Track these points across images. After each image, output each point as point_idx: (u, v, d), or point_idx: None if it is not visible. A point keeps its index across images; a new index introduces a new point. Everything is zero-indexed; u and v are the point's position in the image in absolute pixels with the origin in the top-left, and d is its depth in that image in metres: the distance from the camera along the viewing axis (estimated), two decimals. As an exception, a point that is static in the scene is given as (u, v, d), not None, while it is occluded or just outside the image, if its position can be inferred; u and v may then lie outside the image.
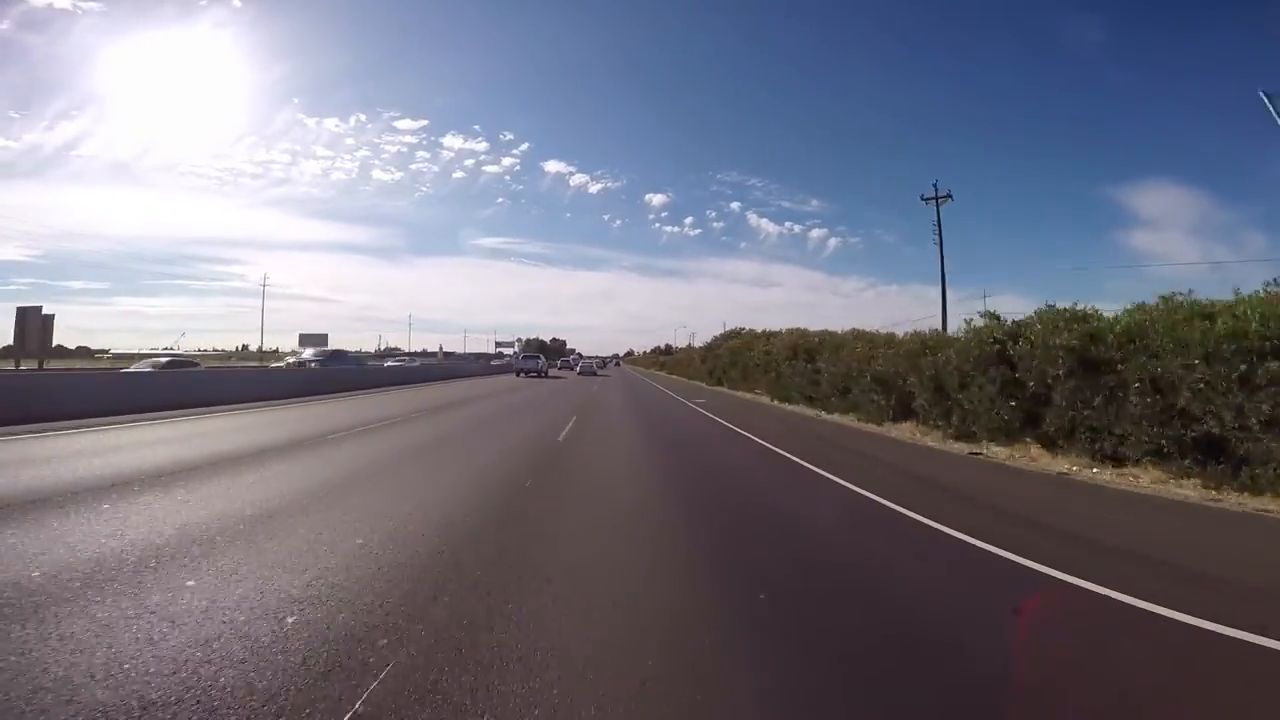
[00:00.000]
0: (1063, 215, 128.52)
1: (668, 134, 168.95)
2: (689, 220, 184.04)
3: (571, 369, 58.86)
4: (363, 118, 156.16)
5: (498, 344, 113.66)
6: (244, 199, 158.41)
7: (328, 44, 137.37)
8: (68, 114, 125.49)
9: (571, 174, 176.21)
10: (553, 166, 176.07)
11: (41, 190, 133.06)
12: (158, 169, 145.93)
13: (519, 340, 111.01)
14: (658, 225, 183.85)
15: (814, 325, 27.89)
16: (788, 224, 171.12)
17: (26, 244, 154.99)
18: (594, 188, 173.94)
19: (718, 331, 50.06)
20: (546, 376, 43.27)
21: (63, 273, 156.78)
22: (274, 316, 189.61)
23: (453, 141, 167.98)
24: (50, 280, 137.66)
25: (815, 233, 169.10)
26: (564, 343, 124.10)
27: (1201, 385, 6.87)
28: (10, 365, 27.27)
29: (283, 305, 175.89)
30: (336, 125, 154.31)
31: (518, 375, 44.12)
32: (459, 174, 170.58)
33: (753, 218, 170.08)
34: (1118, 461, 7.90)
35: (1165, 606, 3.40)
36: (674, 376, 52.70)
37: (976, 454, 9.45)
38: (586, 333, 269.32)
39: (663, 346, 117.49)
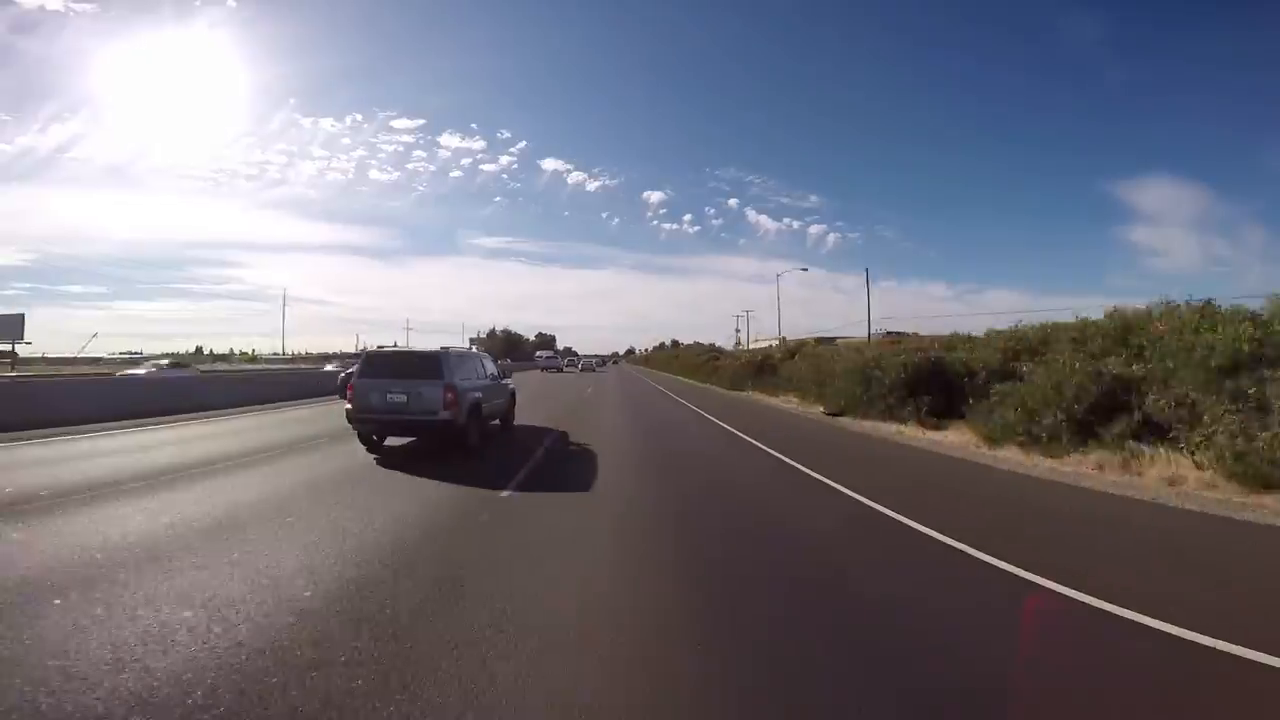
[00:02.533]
0: (1062, 209, 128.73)
1: (665, 131, 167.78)
2: (687, 218, 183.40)
3: (574, 367, 70.28)
4: (359, 118, 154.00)
5: (471, 341, 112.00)
6: (241, 201, 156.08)
7: (324, 44, 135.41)
8: (60, 116, 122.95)
9: (569, 172, 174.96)
10: (550, 164, 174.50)
11: (36, 194, 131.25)
12: (153, 171, 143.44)
13: (477, 334, 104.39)
14: (656, 223, 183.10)
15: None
16: (786, 220, 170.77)
17: (23, 248, 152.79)
18: (591, 185, 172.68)
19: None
20: (562, 371, 59.49)
21: (61, 277, 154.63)
22: (273, 319, 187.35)
23: (450, 140, 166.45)
24: (48, 285, 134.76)
25: (814, 229, 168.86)
26: (553, 339, 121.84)
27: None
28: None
29: (279, 307, 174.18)
30: (333, 125, 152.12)
31: (542, 371, 56.03)
32: (456, 173, 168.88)
33: (751, 214, 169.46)
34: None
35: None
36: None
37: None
38: (587, 331, 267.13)
39: (668, 344, 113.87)
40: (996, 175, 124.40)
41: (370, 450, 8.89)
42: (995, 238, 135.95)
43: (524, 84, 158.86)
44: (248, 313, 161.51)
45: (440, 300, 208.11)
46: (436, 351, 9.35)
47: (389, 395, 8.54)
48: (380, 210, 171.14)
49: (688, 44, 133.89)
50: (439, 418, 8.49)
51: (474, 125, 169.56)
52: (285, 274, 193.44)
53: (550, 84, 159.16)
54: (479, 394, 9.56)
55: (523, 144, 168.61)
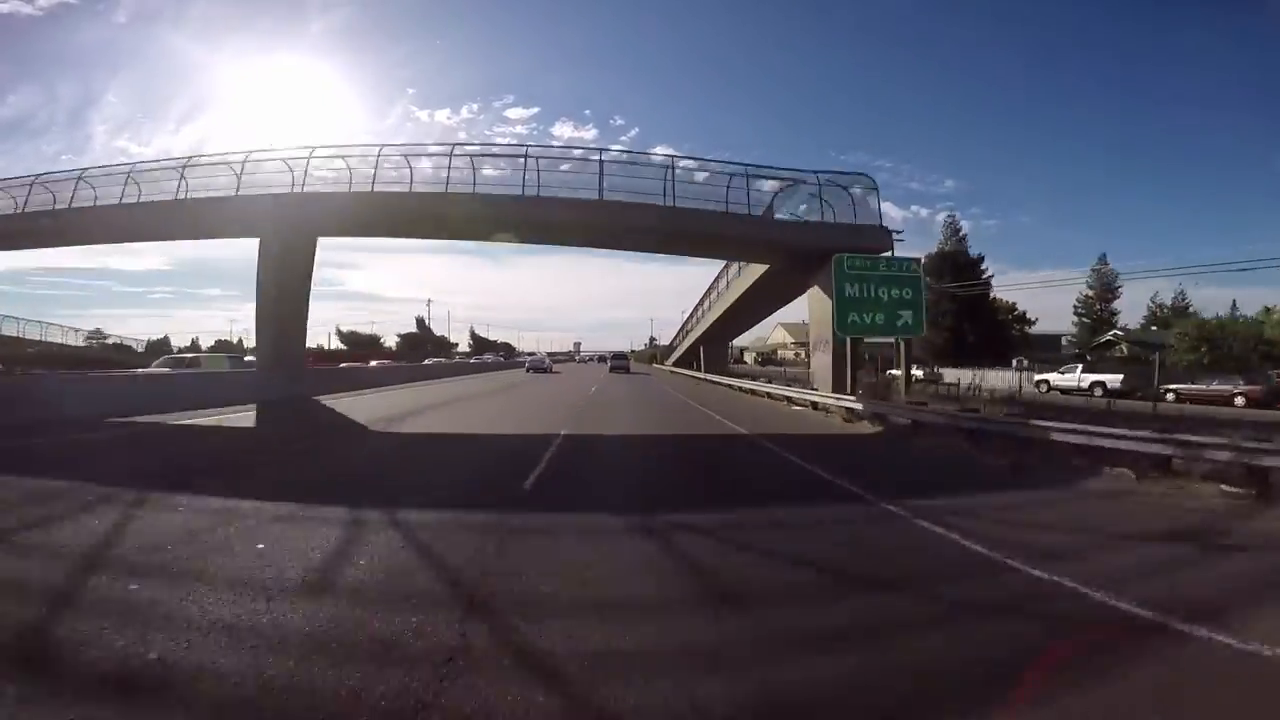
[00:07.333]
0: (1226, 186, 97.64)
1: (785, 113, 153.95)
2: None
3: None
4: (475, 107, 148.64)
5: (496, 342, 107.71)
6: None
7: (441, 22, 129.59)
8: (190, 117, 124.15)
9: (678, 160, 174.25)
10: (659, 153, 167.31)
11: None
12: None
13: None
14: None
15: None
16: (914, 208, 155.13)
17: (165, 253, 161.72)
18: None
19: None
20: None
21: (197, 281, 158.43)
22: (379, 319, 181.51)
23: (563, 130, 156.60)
24: (188, 288, 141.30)
25: (941, 217, 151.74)
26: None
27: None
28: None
29: (387, 308, 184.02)
30: (449, 118, 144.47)
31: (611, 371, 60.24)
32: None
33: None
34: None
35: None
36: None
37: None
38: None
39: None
40: (1152, 149, 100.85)
41: (528, 372, 41.48)
42: (1146, 221, 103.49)
43: (638, 62, 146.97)
44: (357, 312, 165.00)
45: (541, 299, 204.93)
46: (544, 355, 61.69)
47: (538, 361, 50.27)
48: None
49: (808, 20, 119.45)
50: (545, 366, 48.75)
51: (588, 111, 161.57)
52: (391, 276, 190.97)
53: (664, 61, 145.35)
54: (549, 361, 54.40)
55: (635, 131, 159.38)
